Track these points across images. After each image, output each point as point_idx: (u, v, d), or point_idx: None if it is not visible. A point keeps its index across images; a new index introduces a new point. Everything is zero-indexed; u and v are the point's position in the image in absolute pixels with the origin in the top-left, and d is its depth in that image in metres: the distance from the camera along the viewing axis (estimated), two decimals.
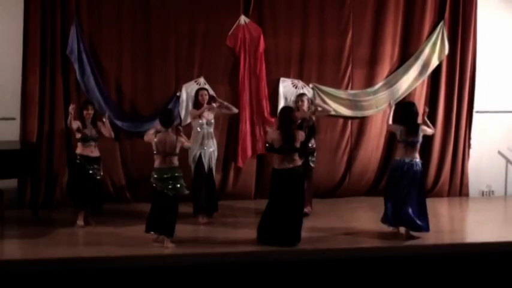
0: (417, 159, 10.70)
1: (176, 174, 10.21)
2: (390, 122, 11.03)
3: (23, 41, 12.38)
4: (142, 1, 12.92)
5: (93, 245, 10.25)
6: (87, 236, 10.79)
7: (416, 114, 10.87)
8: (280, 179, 10.17)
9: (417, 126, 10.69)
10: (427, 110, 11.53)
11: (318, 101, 12.65)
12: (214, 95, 12.19)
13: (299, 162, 10.24)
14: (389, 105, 11.49)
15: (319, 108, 12.14)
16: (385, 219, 10.74)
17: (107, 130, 11.39)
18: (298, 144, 10.20)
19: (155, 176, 10.18)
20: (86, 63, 12.54)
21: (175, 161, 10.25)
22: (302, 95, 12.27)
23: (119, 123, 12.61)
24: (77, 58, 12.51)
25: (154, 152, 10.21)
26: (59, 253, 9.61)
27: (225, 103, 11.84)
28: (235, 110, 12.16)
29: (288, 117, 10.31)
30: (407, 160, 10.61)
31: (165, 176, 10.13)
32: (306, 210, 11.61)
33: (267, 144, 10.55)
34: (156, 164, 10.22)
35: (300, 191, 10.23)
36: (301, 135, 10.33)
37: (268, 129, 10.76)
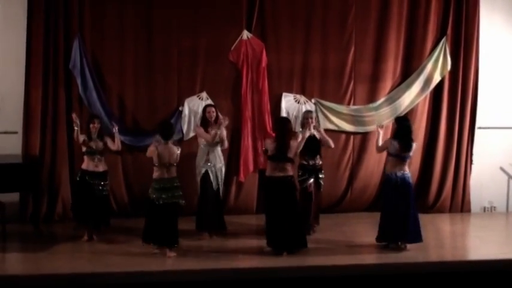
0: (407, 172, 10.84)
1: (175, 184, 10.32)
2: (380, 143, 11.12)
3: (26, 55, 12.42)
4: (144, 16, 12.96)
5: (95, 260, 10.19)
6: (89, 250, 10.75)
7: (411, 129, 10.96)
8: (271, 186, 10.49)
9: (411, 141, 10.77)
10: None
11: (323, 133, 12.52)
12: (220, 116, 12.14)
13: (291, 172, 10.55)
14: (380, 127, 11.48)
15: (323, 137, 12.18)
16: (381, 238, 10.97)
17: (115, 143, 11.40)
18: (291, 155, 10.48)
19: (156, 186, 10.23)
20: (88, 78, 12.56)
21: (175, 171, 10.34)
22: (310, 112, 12.27)
23: (121, 137, 12.58)
24: (80, 72, 12.54)
25: (156, 164, 10.24)
26: (61, 268, 9.59)
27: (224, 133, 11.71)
28: (226, 146, 11.99)
29: (284, 127, 10.59)
30: (398, 174, 10.72)
31: (166, 185, 10.20)
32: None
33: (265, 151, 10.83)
34: (157, 175, 10.29)
35: (292, 200, 10.49)
36: (295, 146, 10.57)
37: (268, 140, 11.05)
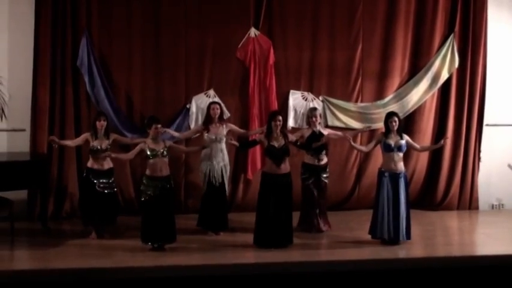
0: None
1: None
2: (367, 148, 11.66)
3: (34, 53, 12.44)
4: (152, 14, 12.97)
5: (103, 256, 10.24)
6: (97, 247, 10.77)
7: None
8: (268, 182, 10.74)
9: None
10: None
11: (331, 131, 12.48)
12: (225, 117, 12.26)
13: (288, 168, 10.82)
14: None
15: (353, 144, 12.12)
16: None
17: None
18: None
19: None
20: (96, 75, 12.57)
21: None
22: (315, 109, 12.23)
23: (128, 135, 12.60)
24: (87, 70, 12.55)
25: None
26: (69, 265, 9.62)
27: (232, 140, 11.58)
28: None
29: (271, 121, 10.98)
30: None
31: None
32: (324, 228, 11.87)
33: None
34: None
35: (287, 196, 10.74)
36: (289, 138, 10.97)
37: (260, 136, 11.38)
